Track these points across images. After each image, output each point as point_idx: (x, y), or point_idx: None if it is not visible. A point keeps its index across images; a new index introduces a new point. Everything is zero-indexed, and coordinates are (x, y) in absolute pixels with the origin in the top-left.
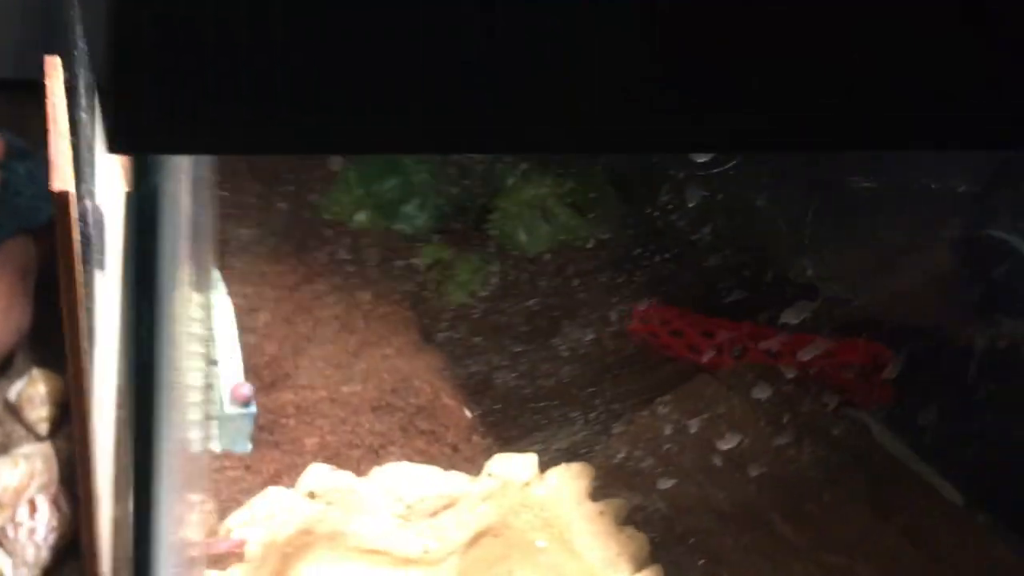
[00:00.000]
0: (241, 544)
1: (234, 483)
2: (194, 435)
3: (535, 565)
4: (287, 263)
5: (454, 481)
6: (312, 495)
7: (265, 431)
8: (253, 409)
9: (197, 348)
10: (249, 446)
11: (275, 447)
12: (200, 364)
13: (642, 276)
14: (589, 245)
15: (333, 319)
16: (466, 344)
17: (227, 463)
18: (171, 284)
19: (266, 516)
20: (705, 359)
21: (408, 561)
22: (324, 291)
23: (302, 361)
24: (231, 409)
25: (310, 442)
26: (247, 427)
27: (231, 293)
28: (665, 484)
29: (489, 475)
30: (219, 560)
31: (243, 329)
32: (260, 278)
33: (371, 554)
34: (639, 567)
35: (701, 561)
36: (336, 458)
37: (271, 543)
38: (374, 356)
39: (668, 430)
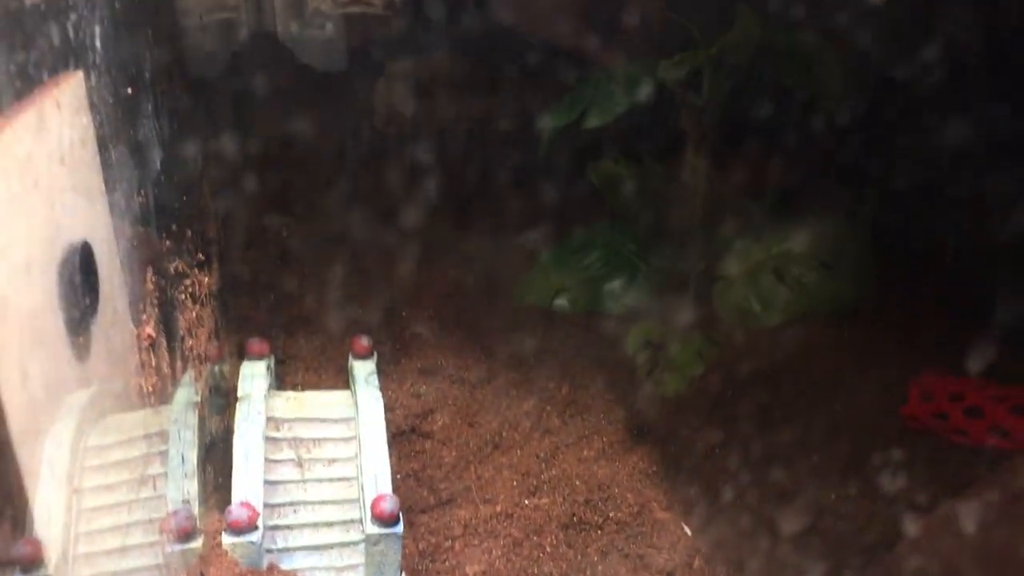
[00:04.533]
0: None
1: None
2: None
3: None
4: (471, 355)
5: None
6: None
7: (426, 557)
8: (399, 528)
9: None
10: None
11: None
12: None
13: (918, 344)
14: (841, 309)
15: (523, 418)
16: (684, 442)
17: None
18: None
19: None
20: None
21: None
22: (514, 386)
23: (485, 470)
24: (373, 529)
25: (474, 571)
26: (393, 552)
27: (403, 391)
28: None
29: None
30: None
31: (418, 434)
32: (438, 373)
33: None
34: None
35: None
36: None
37: None
38: (569, 460)
39: (976, 536)
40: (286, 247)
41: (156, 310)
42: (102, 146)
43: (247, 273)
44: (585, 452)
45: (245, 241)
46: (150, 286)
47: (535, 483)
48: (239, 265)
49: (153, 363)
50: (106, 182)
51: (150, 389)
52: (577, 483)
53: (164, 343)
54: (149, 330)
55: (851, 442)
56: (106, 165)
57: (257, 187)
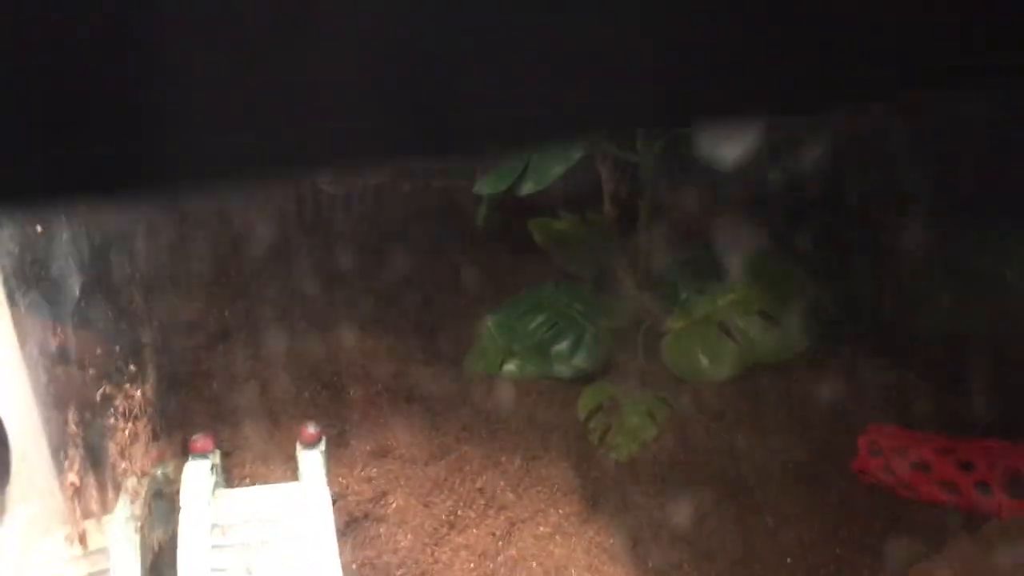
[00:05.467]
0: None
1: None
2: None
3: None
4: (421, 431)
5: None
6: None
7: None
8: None
9: None
10: None
11: None
12: None
13: (865, 395)
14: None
15: (477, 495)
16: (641, 511)
17: None
18: None
19: None
20: (969, 502)
21: None
22: (466, 460)
23: (442, 553)
24: None
25: None
26: None
27: (354, 476)
28: None
29: None
30: None
31: (372, 519)
32: (389, 454)
33: None
34: None
35: None
36: None
37: None
38: (525, 538)
39: None
40: (227, 332)
41: (80, 451)
42: (11, 299)
43: (188, 366)
44: (541, 528)
45: (183, 331)
46: (73, 428)
47: (492, 566)
48: (178, 359)
49: (79, 508)
50: (18, 335)
51: (78, 536)
52: (534, 565)
53: (93, 480)
54: (72, 478)
55: (805, 498)
56: (16, 319)
57: (193, 274)
